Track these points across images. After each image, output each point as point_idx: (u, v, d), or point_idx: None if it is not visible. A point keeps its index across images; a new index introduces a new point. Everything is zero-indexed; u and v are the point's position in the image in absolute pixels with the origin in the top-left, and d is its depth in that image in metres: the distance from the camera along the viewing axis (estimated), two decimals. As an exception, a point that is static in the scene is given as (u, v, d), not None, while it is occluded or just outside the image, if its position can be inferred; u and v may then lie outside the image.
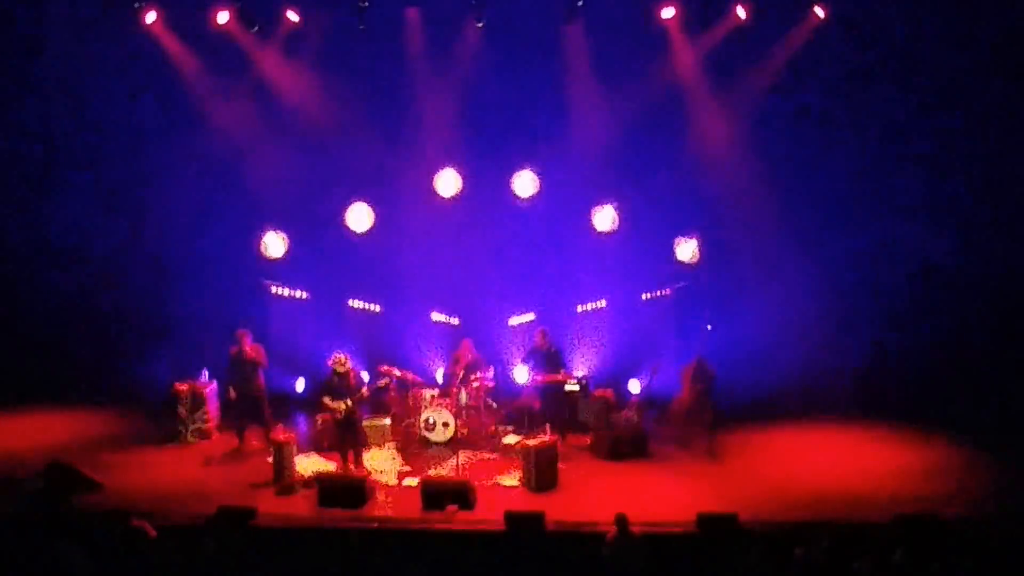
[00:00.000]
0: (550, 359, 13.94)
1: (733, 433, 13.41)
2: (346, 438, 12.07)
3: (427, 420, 13.45)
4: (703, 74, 14.86)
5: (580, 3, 14.17)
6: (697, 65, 14.82)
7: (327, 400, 12.03)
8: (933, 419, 13.35)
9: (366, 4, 14.25)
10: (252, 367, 13.31)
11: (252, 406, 13.39)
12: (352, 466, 11.99)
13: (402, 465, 12.65)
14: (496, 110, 14.99)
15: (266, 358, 13.47)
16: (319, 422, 13.22)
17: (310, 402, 14.55)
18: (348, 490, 11.06)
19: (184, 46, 14.86)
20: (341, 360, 12.15)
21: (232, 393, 13.33)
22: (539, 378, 13.82)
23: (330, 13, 14.67)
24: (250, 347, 13.34)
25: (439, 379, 15.10)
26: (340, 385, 12.03)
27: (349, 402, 11.91)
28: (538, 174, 15.10)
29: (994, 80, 14.17)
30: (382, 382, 12.49)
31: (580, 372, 14.63)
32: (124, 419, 14.31)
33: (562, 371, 13.90)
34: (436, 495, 10.77)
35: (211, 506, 9.82)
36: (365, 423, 12.91)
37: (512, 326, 15.47)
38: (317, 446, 13.16)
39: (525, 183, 15.17)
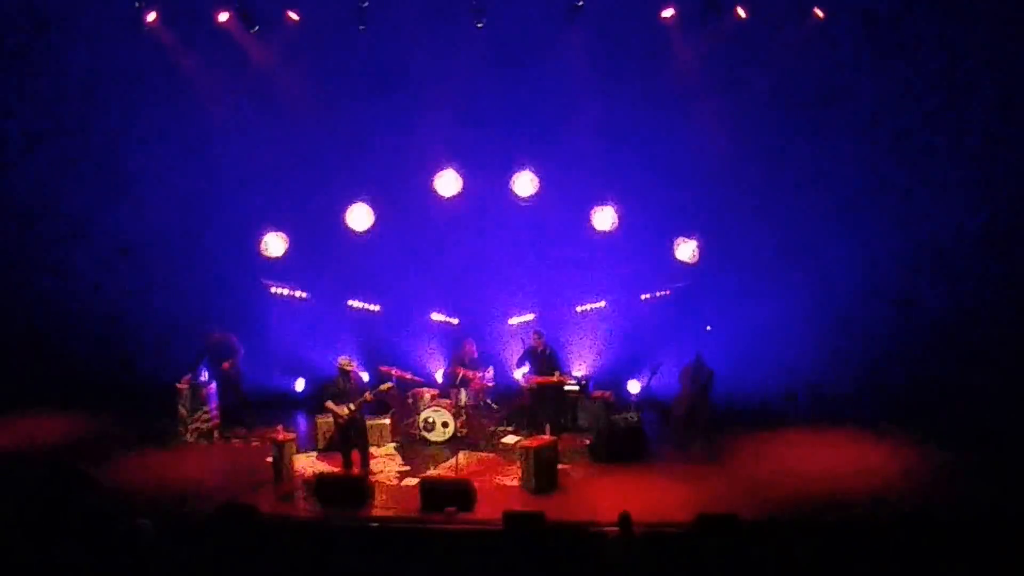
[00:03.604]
0: (545, 360, 13.96)
1: (733, 433, 13.46)
2: (351, 440, 12.06)
3: (426, 420, 13.49)
4: (703, 74, 14.83)
5: (580, 3, 14.17)
6: (697, 65, 14.79)
7: (330, 404, 12.03)
8: (932, 421, 13.35)
9: (366, 4, 14.27)
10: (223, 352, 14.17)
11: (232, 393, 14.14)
12: (356, 468, 11.99)
13: (401, 465, 12.67)
14: (496, 110, 14.98)
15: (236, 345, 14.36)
16: (320, 424, 13.25)
17: (310, 402, 14.61)
18: (348, 490, 11.09)
19: (184, 46, 14.86)
20: (347, 363, 12.19)
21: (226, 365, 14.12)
22: (533, 379, 13.84)
23: (330, 13, 14.65)
24: (217, 336, 14.20)
25: (439, 379, 15.13)
26: (346, 388, 12.04)
27: (352, 406, 11.92)
28: (538, 174, 15.10)
29: (999, 79, 14.17)
30: (385, 386, 12.48)
31: (580, 373, 14.66)
32: (124, 419, 14.30)
33: (557, 372, 13.90)
34: (435, 495, 10.79)
35: (211, 505, 9.85)
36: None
37: (512, 326, 15.49)
38: (321, 446, 13.18)
39: (525, 183, 15.16)
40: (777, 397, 14.44)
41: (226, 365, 14.12)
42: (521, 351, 14.35)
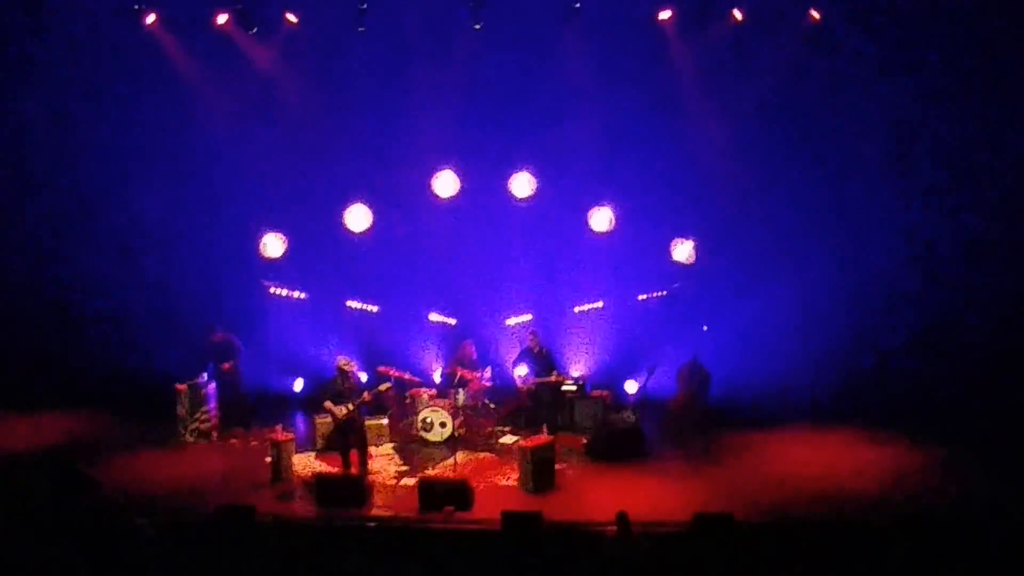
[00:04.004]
0: (542, 360, 14.03)
1: (729, 433, 13.51)
2: (349, 440, 12.10)
3: (425, 420, 13.53)
4: (699, 75, 14.91)
5: (577, 5, 14.24)
6: (693, 66, 14.88)
7: (329, 404, 12.06)
8: (928, 421, 13.40)
9: (364, 6, 14.32)
10: (224, 353, 14.17)
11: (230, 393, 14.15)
12: (354, 468, 12.02)
13: (399, 465, 12.72)
14: (494, 111, 15.06)
15: (237, 345, 14.40)
16: (319, 424, 13.29)
17: (309, 402, 14.67)
18: (346, 490, 11.12)
19: (183, 48, 14.93)
20: (346, 363, 12.23)
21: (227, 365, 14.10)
22: (531, 380, 13.88)
23: (328, 15, 14.71)
24: (219, 336, 14.21)
25: (437, 379, 15.18)
26: (344, 388, 12.09)
27: (351, 406, 11.96)
28: (535, 175, 15.17)
29: (994, 82, 14.22)
30: (383, 386, 12.53)
31: (577, 373, 14.70)
32: (123, 420, 14.33)
33: (555, 372, 13.97)
34: (434, 495, 10.81)
35: (210, 505, 9.90)
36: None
37: (510, 326, 15.55)
38: (319, 446, 13.23)
39: (522, 184, 15.24)
40: (773, 397, 14.49)
41: (227, 366, 14.17)
42: (518, 352, 14.42)
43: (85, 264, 15.79)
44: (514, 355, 14.69)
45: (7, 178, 15.80)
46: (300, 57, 15.06)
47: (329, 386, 12.20)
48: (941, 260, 14.74)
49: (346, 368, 12.19)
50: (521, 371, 14.31)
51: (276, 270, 15.54)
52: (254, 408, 14.48)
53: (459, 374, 14.11)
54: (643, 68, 14.76)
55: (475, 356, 14.41)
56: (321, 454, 13.04)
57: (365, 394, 12.15)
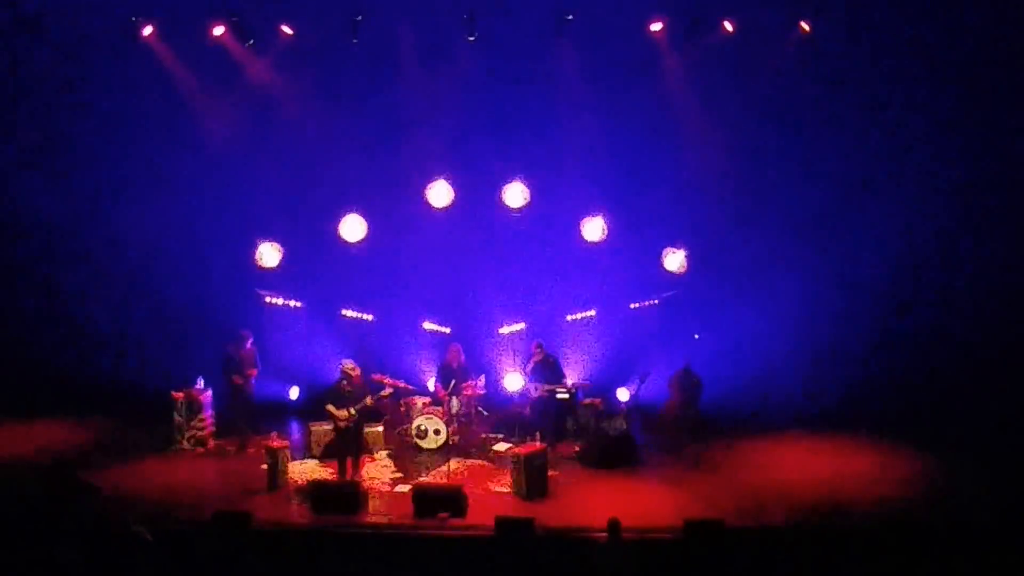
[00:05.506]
0: (551, 370, 14.13)
1: (720, 440, 13.61)
2: (348, 446, 12.16)
3: (419, 427, 13.61)
4: (691, 86, 15.03)
5: (570, 17, 14.37)
6: (685, 77, 15.00)
7: (331, 408, 12.13)
8: (919, 427, 13.53)
9: (359, 18, 14.45)
10: (248, 364, 13.91)
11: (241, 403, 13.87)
12: (350, 473, 12.10)
13: (394, 472, 12.81)
14: (487, 122, 15.17)
15: (257, 361, 14.05)
16: (314, 432, 13.38)
17: (304, 410, 14.75)
18: (342, 496, 11.19)
19: (180, 59, 15.02)
20: (351, 367, 12.31)
21: (237, 380, 13.78)
22: (545, 390, 13.96)
23: (324, 27, 14.81)
24: (250, 349, 13.99)
25: (431, 387, 15.26)
26: (349, 392, 12.15)
27: (352, 411, 12.03)
28: (528, 185, 15.27)
29: (987, 89, 14.39)
30: (385, 392, 12.63)
31: (571, 381, 14.79)
32: (121, 427, 14.40)
33: (563, 380, 14.07)
34: (428, 501, 10.89)
35: (207, 512, 9.98)
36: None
37: (503, 335, 15.64)
38: (315, 453, 13.31)
39: (516, 194, 15.31)
40: (764, 405, 14.60)
41: (253, 372, 14.01)
42: (531, 365, 14.44)
43: (83, 273, 15.86)
44: (508, 363, 14.78)
45: (4, 187, 15.88)
46: (295, 68, 15.14)
47: (332, 390, 12.28)
48: (934, 269, 14.88)
49: (351, 372, 12.28)
50: (513, 385, 14.42)
51: (272, 279, 15.61)
52: (254, 416, 14.52)
53: (453, 382, 14.05)
54: (635, 79, 14.87)
55: (463, 359, 14.44)
56: (319, 461, 13.11)
57: (367, 399, 12.24)
